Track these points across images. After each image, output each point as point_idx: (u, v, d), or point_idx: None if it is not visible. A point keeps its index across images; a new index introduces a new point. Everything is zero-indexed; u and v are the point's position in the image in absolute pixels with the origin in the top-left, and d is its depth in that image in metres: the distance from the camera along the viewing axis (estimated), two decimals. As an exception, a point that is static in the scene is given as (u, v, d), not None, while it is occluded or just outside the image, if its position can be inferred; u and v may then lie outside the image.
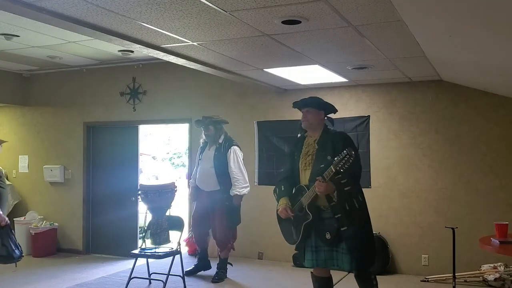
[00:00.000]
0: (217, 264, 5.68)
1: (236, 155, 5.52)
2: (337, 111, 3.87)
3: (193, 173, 5.87)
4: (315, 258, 3.67)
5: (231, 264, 5.80)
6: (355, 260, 3.49)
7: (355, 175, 3.55)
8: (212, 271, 5.76)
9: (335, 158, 3.37)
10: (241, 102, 6.82)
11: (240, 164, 5.55)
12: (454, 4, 2.63)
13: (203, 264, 5.83)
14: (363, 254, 3.55)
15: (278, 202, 3.83)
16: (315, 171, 3.57)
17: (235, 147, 5.56)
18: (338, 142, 3.60)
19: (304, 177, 3.69)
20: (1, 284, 5.69)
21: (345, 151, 3.32)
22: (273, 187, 6.39)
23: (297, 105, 3.83)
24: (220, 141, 5.56)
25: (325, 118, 3.84)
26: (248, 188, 5.63)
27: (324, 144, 3.65)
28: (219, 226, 5.54)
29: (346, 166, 3.32)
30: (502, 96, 5.54)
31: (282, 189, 3.83)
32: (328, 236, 3.55)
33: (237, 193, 5.49)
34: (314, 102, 3.80)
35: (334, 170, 3.36)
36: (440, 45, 3.92)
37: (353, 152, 3.32)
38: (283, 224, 3.90)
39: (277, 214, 3.92)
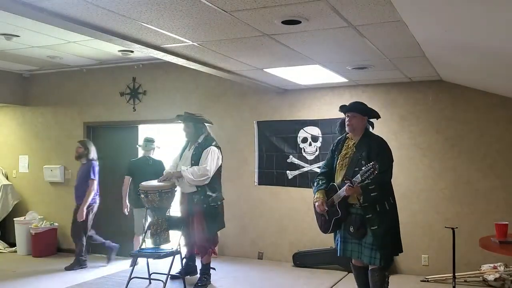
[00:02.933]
0: (199, 270, 5.48)
1: (212, 155, 5.18)
2: (380, 117, 4.11)
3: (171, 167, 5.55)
4: (342, 248, 4.04)
5: (214, 269, 5.59)
6: (382, 257, 3.81)
7: (382, 182, 3.83)
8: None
9: (362, 168, 3.69)
10: (241, 102, 6.82)
11: (210, 163, 5.13)
12: (454, 4, 2.63)
13: (189, 269, 5.59)
14: (390, 250, 3.89)
15: (314, 195, 4.12)
16: (349, 173, 3.89)
17: (214, 147, 5.25)
18: (374, 148, 3.89)
19: (338, 177, 4.01)
20: (1, 284, 5.70)
21: (370, 164, 3.65)
22: (273, 187, 6.56)
23: (343, 109, 4.07)
24: (200, 141, 5.33)
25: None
26: (193, 183, 5.12)
27: (361, 148, 3.93)
28: (197, 230, 5.28)
29: (370, 177, 3.66)
30: (502, 96, 5.54)
31: (320, 183, 4.12)
32: (352, 229, 3.91)
33: (183, 168, 5.10)
34: (359, 108, 4.04)
35: (361, 179, 3.68)
36: (440, 45, 3.93)
37: (377, 166, 3.62)
38: (317, 214, 4.19)
39: (314, 204, 4.21)
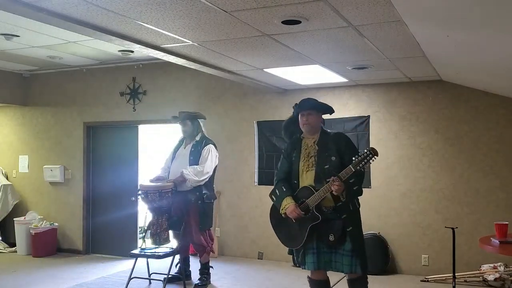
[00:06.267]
0: (199, 269, 5.47)
1: (211, 154, 5.29)
2: (334, 112, 3.86)
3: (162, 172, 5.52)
4: (317, 260, 3.63)
5: (212, 267, 5.59)
6: (360, 261, 3.55)
7: (362, 174, 3.59)
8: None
9: (354, 158, 3.41)
10: (241, 102, 6.83)
11: (210, 162, 5.25)
12: (454, 4, 2.63)
13: (184, 273, 5.46)
14: (364, 254, 3.64)
15: (281, 204, 3.71)
16: (320, 172, 3.58)
17: (212, 146, 5.36)
18: (341, 142, 3.67)
19: (307, 179, 3.65)
20: (1, 284, 5.70)
21: (366, 150, 3.39)
22: (273, 187, 6.50)
23: (301, 108, 3.75)
24: (197, 138, 5.38)
25: None
26: (196, 183, 5.20)
27: (325, 145, 3.67)
28: (194, 229, 5.29)
29: (367, 165, 3.40)
30: (502, 96, 5.54)
31: (284, 189, 3.72)
32: (331, 238, 3.55)
33: (185, 172, 5.11)
34: (317, 105, 3.80)
35: (353, 170, 3.39)
36: (440, 45, 3.93)
37: (376, 150, 3.39)
38: (281, 228, 3.85)
39: (271, 218, 3.95)
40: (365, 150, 3.38)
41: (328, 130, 3.83)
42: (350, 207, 3.59)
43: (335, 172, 3.45)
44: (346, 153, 3.57)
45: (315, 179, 3.60)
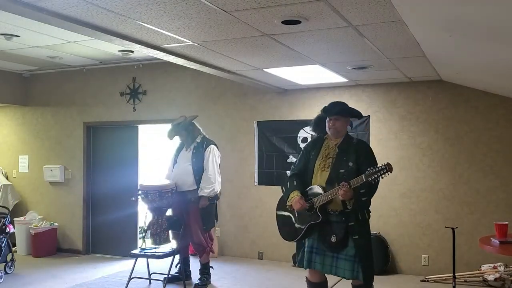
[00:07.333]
0: (199, 270, 5.47)
1: (213, 155, 5.35)
2: (362, 116, 3.88)
3: (167, 175, 5.59)
4: (313, 260, 3.67)
5: (212, 267, 5.60)
6: (363, 268, 3.50)
7: (374, 186, 3.53)
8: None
9: (368, 169, 3.38)
10: (241, 102, 6.83)
11: (215, 164, 5.35)
12: (454, 5, 2.63)
13: (184, 273, 5.47)
14: (371, 264, 3.59)
15: (288, 196, 3.75)
16: (334, 174, 3.58)
17: (213, 146, 5.40)
18: (361, 151, 3.64)
19: (320, 179, 3.66)
20: (1, 284, 5.70)
21: (382, 165, 3.36)
22: (273, 187, 6.54)
23: (328, 112, 3.75)
24: (198, 140, 5.42)
25: None
26: (217, 190, 5.36)
27: (346, 150, 3.66)
28: (194, 229, 5.29)
29: (379, 179, 3.37)
30: (502, 96, 5.54)
31: (295, 183, 3.76)
32: (333, 239, 3.55)
33: (203, 194, 5.22)
34: (345, 110, 3.78)
35: (364, 180, 3.37)
36: (440, 45, 3.93)
37: (391, 167, 3.36)
38: (283, 220, 3.89)
39: (278, 208, 3.98)
40: (382, 164, 3.38)
41: (353, 136, 3.83)
42: (359, 216, 3.55)
43: (348, 178, 3.45)
44: (364, 163, 3.53)
45: (327, 180, 3.61)
